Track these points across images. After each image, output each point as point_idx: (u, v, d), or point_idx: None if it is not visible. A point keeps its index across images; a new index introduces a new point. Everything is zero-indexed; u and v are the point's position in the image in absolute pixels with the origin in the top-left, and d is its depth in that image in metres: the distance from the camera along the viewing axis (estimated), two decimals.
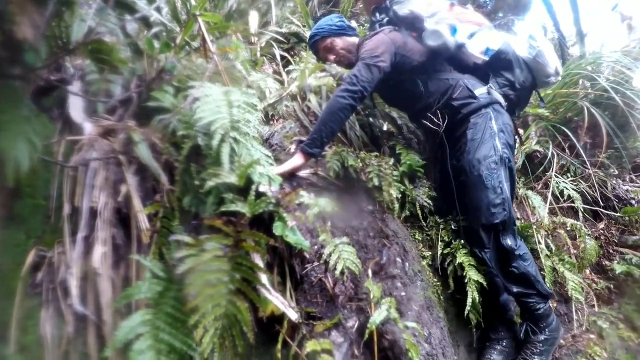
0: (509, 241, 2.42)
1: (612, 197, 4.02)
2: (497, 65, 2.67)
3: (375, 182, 2.50)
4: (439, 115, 2.62)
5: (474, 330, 2.49)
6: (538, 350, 2.49)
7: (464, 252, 2.51)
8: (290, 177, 2.32)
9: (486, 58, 2.64)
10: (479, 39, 2.67)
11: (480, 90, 2.62)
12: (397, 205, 2.54)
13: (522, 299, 2.50)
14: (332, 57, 2.89)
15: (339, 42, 2.84)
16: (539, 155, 3.88)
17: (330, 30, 2.84)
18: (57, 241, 1.52)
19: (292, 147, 2.60)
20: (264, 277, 1.60)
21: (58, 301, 1.45)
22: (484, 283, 2.41)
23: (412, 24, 2.72)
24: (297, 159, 2.31)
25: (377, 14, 2.91)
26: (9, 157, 1.27)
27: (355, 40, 2.86)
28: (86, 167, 1.59)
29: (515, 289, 2.46)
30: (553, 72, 2.70)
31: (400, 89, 2.75)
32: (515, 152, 3.44)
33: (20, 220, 1.53)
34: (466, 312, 2.36)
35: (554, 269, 3.07)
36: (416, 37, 2.72)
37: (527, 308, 2.52)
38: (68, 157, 1.62)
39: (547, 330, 2.50)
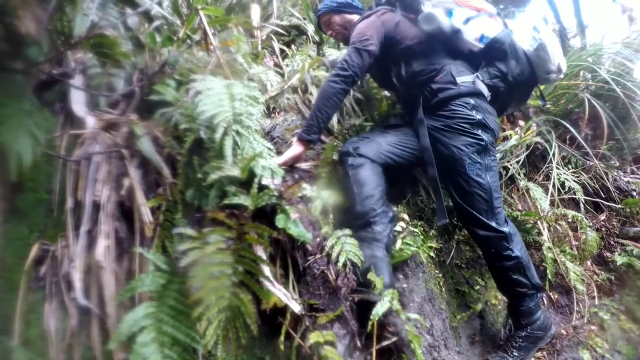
0: (493, 224, 2.39)
1: (613, 189, 4.01)
2: (491, 54, 2.55)
3: None
4: (418, 95, 2.59)
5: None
6: (517, 345, 2.50)
7: None
8: (292, 169, 2.33)
9: (481, 45, 2.55)
10: (475, 25, 2.58)
11: (464, 78, 2.52)
12: None
13: (514, 288, 2.49)
14: (329, 32, 3.02)
15: (337, 19, 2.92)
16: (540, 147, 3.88)
17: (330, 7, 2.93)
18: (60, 235, 1.52)
19: (294, 140, 2.60)
20: (266, 270, 1.61)
21: (61, 295, 1.45)
22: None
23: (411, 6, 2.67)
24: (296, 148, 2.32)
25: None
26: (11, 151, 1.27)
27: (354, 17, 2.88)
28: (89, 161, 1.59)
29: (508, 275, 2.45)
30: (555, 69, 2.55)
31: (385, 70, 2.74)
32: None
33: (23, 214, 1.54)
34: None
35: (555, 261, 3.07)
36: (414, 19, 2.66)
37: (515, 299, 2.53)
38: (70, 151, 1.62)
39: (528, 328, 2.51)
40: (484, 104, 2.50)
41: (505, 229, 2.41)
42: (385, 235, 2.23)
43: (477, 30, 2.56)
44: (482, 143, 2.41)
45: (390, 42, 2.58)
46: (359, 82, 2.89)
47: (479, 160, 2.40)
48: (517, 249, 2.42)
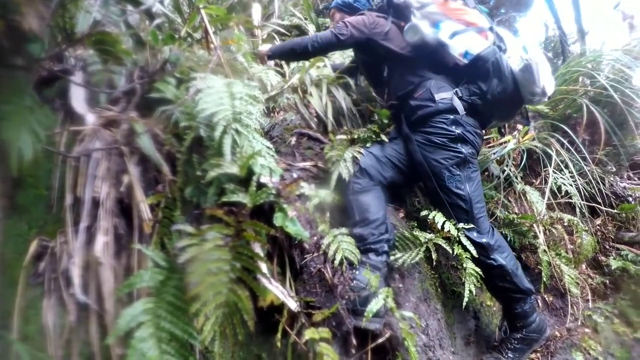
0: (474, 234, 2.43)
1: (610, 194, 4.04)
2: (474, 71, 2.53)
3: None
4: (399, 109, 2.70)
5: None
6: (512, 347, 2.53)
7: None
8: (290, 167, 2.34)
9: (465, 61, 2.53)
10: (461, 40, 2.54)
11: (442, 95, 2.53)
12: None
13: (503, 294, 2.53)
14: (331, 26, 3.19)
15: (338, 16, 3.12)
16: (537, 152, 3.89)
17: (336, 4, 3.16)
18: (60, 231, 1.53)
19: (293, 140, 2.61)
20: (264, 267, 1.62)
21: (60, 290, 1.46)
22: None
23: (402, 13, 2.72)
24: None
25: None
26: (12, 147, 1.28)
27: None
28: (88, 158, 1.60)
29: (495, 282, 2.49)
30: (539, 92, 2.47)
31: (372, 72, 2.96)
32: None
33: (23, 210, 1.54)
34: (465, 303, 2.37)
35: (550, 264, 3.09)
36: (404, 27, 2.68)
37: (507, 303, 2.56)
38: (70, 147, 1.63)
39: (524, 330, 2.53)
40: (463, 118, 2.52)
41: (485, 239, 2.44)
42: (384, 265, 2.24)
43: (461, 45, 2.53)
44: (461, 156, 2.45)
45: (374, 45, 2.71)
46: (353, 82, 3.28)
47: (459, 172, 2.45)
48: (502, 257, 2.44)
